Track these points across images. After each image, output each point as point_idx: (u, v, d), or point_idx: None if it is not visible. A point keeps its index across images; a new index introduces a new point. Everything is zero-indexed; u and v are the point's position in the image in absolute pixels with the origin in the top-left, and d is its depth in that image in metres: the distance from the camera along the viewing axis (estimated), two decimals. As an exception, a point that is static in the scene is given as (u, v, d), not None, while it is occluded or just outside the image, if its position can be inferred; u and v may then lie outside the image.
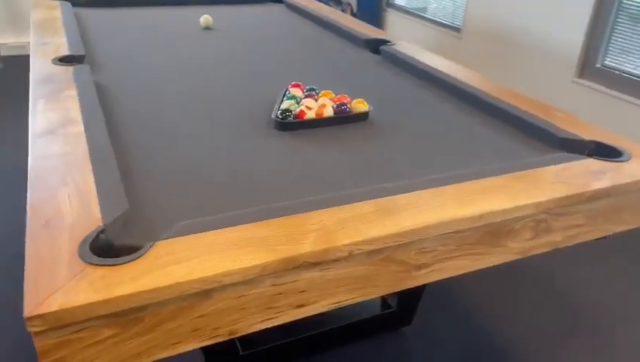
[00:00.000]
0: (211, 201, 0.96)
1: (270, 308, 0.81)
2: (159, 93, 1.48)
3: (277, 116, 1.29)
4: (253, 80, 1.61)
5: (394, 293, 1.61)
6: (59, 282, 0.69)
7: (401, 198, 0.94)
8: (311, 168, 1.10)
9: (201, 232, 0.81)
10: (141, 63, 1.72)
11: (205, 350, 1.38)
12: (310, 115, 1.31)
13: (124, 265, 0.73)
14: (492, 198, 0.95)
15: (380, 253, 0.86)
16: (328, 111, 1.33)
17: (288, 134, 1.26)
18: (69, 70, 1.50)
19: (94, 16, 2.34)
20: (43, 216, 0.83)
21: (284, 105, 1.32)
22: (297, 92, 1.43)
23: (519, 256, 1.03)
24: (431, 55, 1.84)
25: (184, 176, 1.04)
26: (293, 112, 1.30)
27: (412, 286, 0.94)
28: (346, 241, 0.82)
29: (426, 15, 4.37)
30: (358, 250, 0.83)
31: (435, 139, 1.28)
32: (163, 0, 2.64)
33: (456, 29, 3.99)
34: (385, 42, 2.00)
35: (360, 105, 1.37)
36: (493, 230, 0.96)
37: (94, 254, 0.75)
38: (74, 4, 2.45)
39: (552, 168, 1.08)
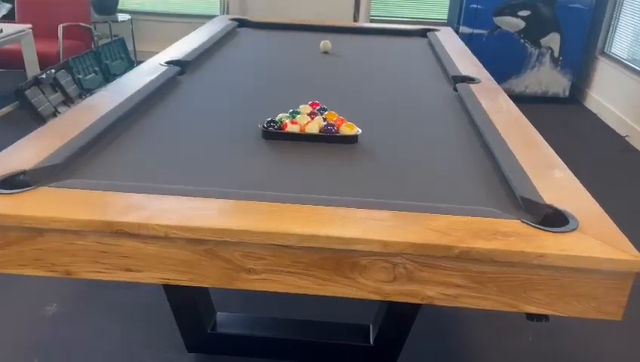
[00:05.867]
0: (144, 173, 1.15)
1: (98, 262, 0.96)
2: (216, 102, 1.73)
3: (263, 125, 1.41)
4: (308, 96, 1.75)
5: (376, 327, 1.56)
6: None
7: (254, 205, 0.99)
8: (263, 169, 1.21)
9: (70, 188, 1.01)
10: (232, 78, 2.01)
11: (179, 325, 1.57)
12: (293, 128, 1.40)
13: (8, 195, 0.98)
14: (341, 226, 0.93)
15: (201, 243, 0.94)
16: (312, 128, 1.40)
17: (275, 143, 1.37)
18: (162, 69, 1.87)
19: (250, 35, 2.74)
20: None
21: (277, 117, 1.44)
22: (307, 109, 1.52)
23: (379, 297, 0.97)
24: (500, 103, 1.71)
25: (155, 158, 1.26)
26: (278, 123, 1.41)
27: (247, 288, 0.98)
28: (162, 223, 0.92)
29: None
30: (174, 234, 0.92)
31: (411, 168, 1.24)
32: (322, 28, 2.90)
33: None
34: (471, 80, 1.92)
35: (347, 128, 1.40)
36: (334, 257, 0.93)
37: (6, 186, 1.02)
38: (243, 25, 2.90)
39: (453, 218, 0.98)
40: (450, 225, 0.96)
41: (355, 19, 5.05)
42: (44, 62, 3.62)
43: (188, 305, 1.51)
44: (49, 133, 1.28)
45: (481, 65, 2.16)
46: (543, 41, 4.29)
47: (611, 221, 0.99)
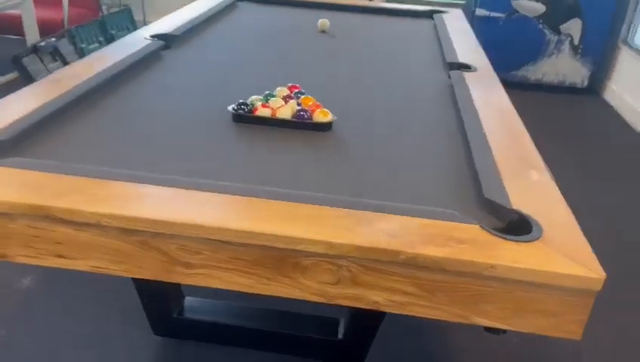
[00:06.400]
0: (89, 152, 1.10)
1: (31, 246, 0.92)
2: (194, 81, 1.67)
3: (233, 108, 1.35)
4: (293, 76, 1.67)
5: (346, 322, 1.51)
6: None
7: (197, 195, 0.93)
8: (226, 153, 1.15)
9: (9, 167, 0.96)
10: (217, 55, 1.94)
11: (144, 308, 1.53)
12: (264, 112, 1.33)
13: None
14: (285, 223, 0.87)
15: (135, 234, 0.89)
16: (283, 113, 1.33)
17: (245, 127, 1.31)
18: (145, 42, 1.81)
19: (247, 8, 2.66)
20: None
21: (249, 100, 1.37)
22: (284, 92, 1.45)
23: (323, 300, 0.91)
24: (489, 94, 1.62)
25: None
26: (249, 106, 1.35)
27: (185, 282, 0.93)
28: (95, 210, 0.87)
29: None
30: (106, 222, 0.87)
31: (381, 162, 1.17)
32: (328, 5, 2.81)
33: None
34: (466, 67, 1.82)
35: (321, 115, 1.33)
36: (276, 256, 0.88)
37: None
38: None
39: (409, 220, 0.91)
40: (404, 227, 0.89)
41: (371, -3, 4.90)
42: (49, 29, 3.58)
43: (153, 289, 1.48)
44: (6, 107, 1.23)
45: (482, 51, 2.05)
46: (563, 27, 4.11)
47: (581, 232, 0.91)
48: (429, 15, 2.69)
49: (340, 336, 1.51)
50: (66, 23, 3.77)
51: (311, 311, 1.62)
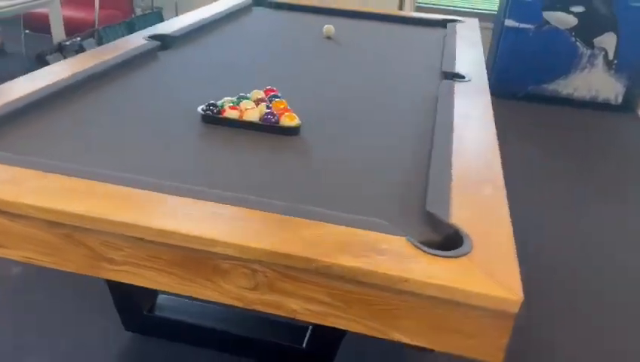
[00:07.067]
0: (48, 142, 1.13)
1: (-29, 235, 0.95)
2: (180, 82, 1.69)
3: (202, 108, 1.35)
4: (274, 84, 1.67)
5: (311, 334, 1.49)
6: None
7: (127, 192, 0.94)
8: (192, 156, 1.16)
9: (-44, 156, 1.00)
10: (212, 57, 1.96)
11: (115, 303, 1.56)
12: (232, 114, 1.33)
13: None
14: (204, 225, 0.87)
15: (60, 227, 0.90)
16: (250, 116, 1.33)
17: (213, 127, 1.31)
18: (141, 42, 1.85)
19: (260, 14, 2.68)
20: None
21: (220, 101, 1.38)
22: (258, 95, 1.45)
23: (243, 305, 0.89)
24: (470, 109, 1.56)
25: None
26: (218, 108, 1.35)
27: (110, 278, 0.93)
28: (25, 201, 0.89)
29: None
30: (33, 214, 0.89)
31: (338, 169, 1.15)
32: (342, 12, 2.80)
33: None
34: (460, 77, 1.77)
35: (287, 119, 1.32)
36: (195, 257, 0.87)
37: None
38: (260, 4, 2.84)
39: (334, 228, 0.89)
40: (326, 235, 0.87)
41: (401, 7, 4.86)
42: (79, 29, 3.71)
43: (123, 284, 1.49)
44: (-19, 99, 1.28)
45: (483, 62, 1.99)
46: (597, 40, 3.96)
47: (514, 252, 0.86)
48: (442, 24, 2.64)
49: (304, 346, 1.48)
50: (96, 23, 3.90)
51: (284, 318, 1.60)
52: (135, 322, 1.59)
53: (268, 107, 1.37)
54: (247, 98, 1.41)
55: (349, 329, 0.86)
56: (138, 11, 4.62)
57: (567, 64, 4.06)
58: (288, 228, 0.88)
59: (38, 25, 3.85)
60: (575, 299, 2.08)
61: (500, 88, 4.15)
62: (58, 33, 3.49)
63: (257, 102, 1.41)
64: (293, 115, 1.33)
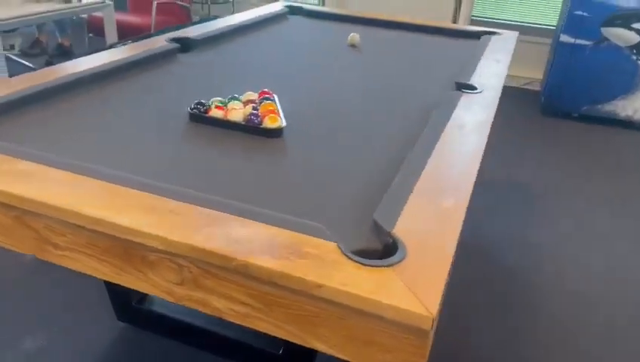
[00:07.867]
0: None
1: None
2: (187, 83, 1.73)
3: (190, 107, 1.38)
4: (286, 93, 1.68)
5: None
6: None
7: (78, 179, 0.96)
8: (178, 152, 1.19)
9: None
10: (228, 62, 1.99)
11: (108, 292, 1.60)
12: (216, 113, 1.35)
13: None
14: (130, 214, 0.87)
15: (11, 209, 0.94)
16: (234, 116, 1.34)
17: (200, 127, 1.34)
18: (162, 44, 1.91)
19: (294, 21, 2.71)
20: None
21: (209, 100, 1.40)
22: (250, 96, 1.46)
23: (172, 299, 0.89)
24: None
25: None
26: (204, 107, 1.37)
27: (56, 262, 0.96)
28: (-22, 182, 0.94)
29: None
30: (-13, 195, 0.93)
31: (310, 173, 1.14)
32: (378, 22, 2.77)
33: None
34: (472, 88, 1.70)
35: (269, 121, 1.31)
36: (122, 246, 0.88)
37: None
38: (294, 13, 2.87)
39: (265, 228, 0.87)
40: (254, 235, 0.85)
41: (455, 19, 4.76)
42: (137, 34, 3.90)
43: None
44: (-13, 89, 1.36)
45: (504, 75, 1.90)
46: (662, 60, 3.69)
47: (447, 267, 0.81)
48: (477, 36, 2.55)
49: (280, 352, 1.46)
50: (152, 28, 4.09)
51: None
52: (125, 313, 1.63)
53: (255, 108, 1.37)
54: (237, 99, 1.43)
55: (271, 333, 0.84)
56: (195, 19, 4.80)
57: (626, 84, 3.81)
58: (217, 224, 0.87)
59: (100, 29, 4.09)
60: None
61: (552, 107, 3.96)
62: (111, 36, 3.69)
63: (247, 103, 1.41)
64: (277, 117, 1.32)
